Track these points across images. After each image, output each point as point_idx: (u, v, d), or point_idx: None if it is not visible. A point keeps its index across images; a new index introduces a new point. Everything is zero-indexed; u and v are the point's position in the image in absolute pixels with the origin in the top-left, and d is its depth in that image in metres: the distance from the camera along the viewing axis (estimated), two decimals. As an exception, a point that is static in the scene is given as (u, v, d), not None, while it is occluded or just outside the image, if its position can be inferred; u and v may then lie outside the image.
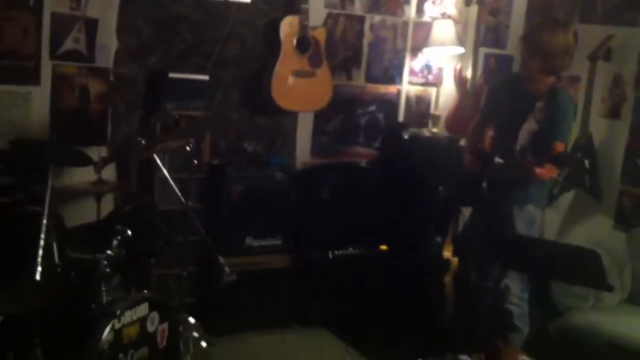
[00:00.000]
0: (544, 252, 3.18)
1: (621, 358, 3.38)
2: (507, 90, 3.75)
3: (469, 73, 4.83)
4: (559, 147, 3.43)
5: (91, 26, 3.84)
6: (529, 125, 3.49)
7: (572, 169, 3.51)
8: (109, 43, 3.91)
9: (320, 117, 4.67)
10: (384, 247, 4.38)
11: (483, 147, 3.78)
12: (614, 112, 4.23)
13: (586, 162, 3.26)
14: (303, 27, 4.29)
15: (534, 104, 3.47)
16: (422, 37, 4.92)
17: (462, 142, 4.48)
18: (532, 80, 3.55)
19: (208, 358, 3.47)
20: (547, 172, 3.31)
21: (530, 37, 3.55)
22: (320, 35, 4.40)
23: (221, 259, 3.44)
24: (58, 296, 2.88)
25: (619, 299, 3.87)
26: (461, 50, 4.86)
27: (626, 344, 3.40)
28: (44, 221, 2.81)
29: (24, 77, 3.68)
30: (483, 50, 4.90)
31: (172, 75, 3.96)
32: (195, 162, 3.65)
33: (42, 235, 2.78)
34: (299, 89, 4.34)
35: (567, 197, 4.30)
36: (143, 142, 3.41)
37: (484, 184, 3.54)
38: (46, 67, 3.73)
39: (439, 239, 4.17)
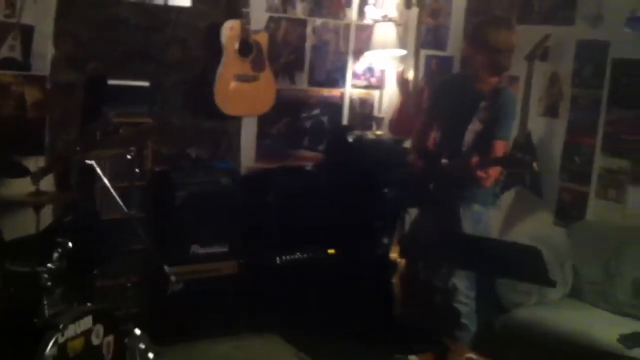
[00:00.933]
0: (488, 250, 3.23)
1: (565, 352, 3.46)
2: (451, 90, 3.77)
3: (411, 75, 4.89)
4: (500, 145, 3.47)
5: (27, 33, 3.74)
6: (474, 126, 3.50)
7: (520, 170, 3.54)
8: (45, 50, 3.82)
9: (265, 121, 4.65)
10: (331, 250, 4.38)
11: (428, 148, 3.81)
12: (551, 111, 4.34)
13: (535, 164, 3.30)
14: (245, 31, 4.26)
15: (478, 104, 3.49)
16: (364, 40, 4.95)
17: (407, 144, 4.53)
18: (477, 80, 3.58)
19: (156, 369, 3.42)
20: (494, 172, 3.35)
21: (475, 34, 3.58)
22: (263, 39, 4.38)
23: (167, 268, 3.40)
24: (-1, 311, 2.81)
25: (562, 294, 3.96)
26: (403, 52, 4.91)
27: (570, 338, 3.48)
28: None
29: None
30: (424, 52, 4.96)
31: (111, 81, 3.88)
32: (137, 169, 3.59)
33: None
34: (242, 93, 4.32)
35: (509, 195, 4.38)
36: (81, 150, 3.34)
37: (430, 185, 3.57)
38: (-19, 77, 3.63)
39: (386, 240, 4.20)
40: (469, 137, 3.50)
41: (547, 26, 4.29)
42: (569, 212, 4.21)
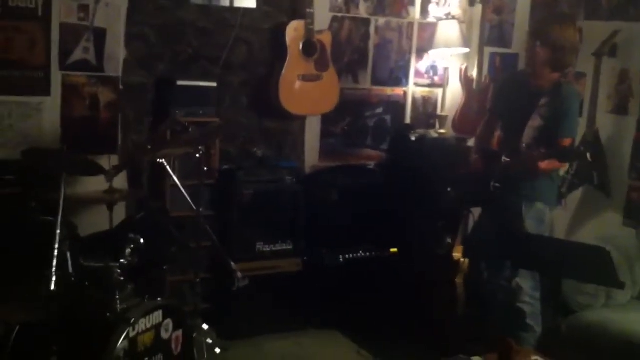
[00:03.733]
0: (554, 250, 3.18)
1: (633, 355, 3.37)
2: (511, 88, 3.76)
3: (474, 73, 4.85)
4: (566, 142, 3.43)
5: (99, 36, 3.88)
6: (534, 122, 3.49)
7: (574, 161, 3.49)
8: (117, 52, 3.95)
9: (328, 120, 4.69)
10: (394, 249, 4.39)
11: (490, 147, 3.78)
12: (620, 108, 4.22)
13: (588, 154, 3.26)
14: (308, 31, 4.31)
15: (538, 100, 3.48)
16: (427, 38, 4.94)
17: (470, 143, 4.50)
18: (537, 77, 3.55)
19: (223, 364, 3.50)
20: (551, 164, 3.34)
21: (540, 30, 3.55)
22: (326, 39, 4.42)
23: (233, 265, 3.47)
24: (73, 305, 2.92)
25: (631, 296, 3.86)
26: (466, 50, 4.87)
27: (638, 341, 3.39)
28: (58, 231, 2.84)
29: (34, 87, 3.73)
30: (488, 50, 4.91)
31: (180, 82, 3.99)
32: (205, 168, 3.68)
33: (56, 245, 2.82)
34: (306, 93, 4.37)
35: (576, 195, 4.30)
36: (152, 149, 3.45)
37: (492, 184, 3.55)
38: (56, 78, 3.78)
39: (449, 240, 4.18)
40: (529, 133, 3.49)
41: (616, 22, 4.18)
42: (638, 212, 4.11)
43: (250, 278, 3.53)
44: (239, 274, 3.43)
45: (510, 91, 3.73)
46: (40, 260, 2.84)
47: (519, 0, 4.83)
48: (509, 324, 3.62)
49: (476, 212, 4.01)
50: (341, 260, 4.28)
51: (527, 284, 3.58)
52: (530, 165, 3.38)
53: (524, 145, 3.49)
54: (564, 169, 4.05)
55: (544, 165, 3.34)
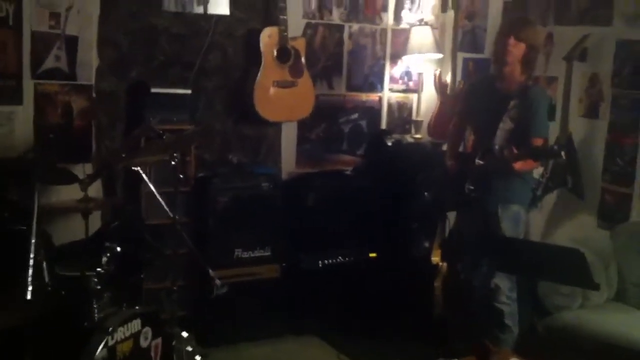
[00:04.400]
0: (530, 252, 3.22)
1: (610, 356, 3.41)
2: (480, 91, 3.80)
3: (448, 78, 4.89)
4: (538, 142, 3.50)
5: (71, 43, 3.85)
6: (505, 125, 3.54)
7: (549, 159, 3.53)
8: (89, 59, 3.92)
9: (304, 126, 4.70)
10: (372, 254, 4.40)
11: (463, 150, 3.82)
12: (592, 112, 4.29)
13: (562, 153, 3.31)
14: (282, 38, 4.31)
15: (507, 103, 3.53)
16: (400, 44, 4.97)
17: (445, 147, 4.52)
18: (505, 80, 3.60)
19: (202, 371, 3.47)
20: (525, 164, 3.39)
21: (514, 27, 3.59)
22: (300, 45, 4.42)
23: (211, 272, 3.44)
24: (50, 314, 2.87)
25: (606, 297, 3.90)
26: (440, 55, 4.91)
27: (614, 342, 3.42)
28: (32, 240, 2.80)
29: (6, 96, 3.68)
30: (461, 55, 4.96)
31: (154, 89, 3.96)
32: (181, 175, 3.65)
33: (31, 254, 2.78)
34: (281, 99, 4.36)
35: (551, 198, 4.35)
36: (127, 156, 3.42)
37: (467, 186, 3.58)
38: (28, 86, 3.74)
39: (426, 244, 4.21)
40: (500, 136, 3.54)
41: (585, 26, 4.25)
42: (612, 214, 4.16)
43: (228, 285, 3.50)
44: (217, 281, 3.40)
45: (480, 94, 3.78)
46: (15, 270, 2.79)
47: (490, 6, 4.89)
48: (487, 324, 3.64)
49: (453, 216, 4.04)
50: (320, 265, 4.29)
51: (504, 284, 3.61)
52: (504, 166, 3.41)
53: (496, 147, 3.52)
54: (537, 171, 4.10)
55: (518, 165, 3.38)
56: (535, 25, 3.63)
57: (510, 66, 3.56)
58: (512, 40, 3.53)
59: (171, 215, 3.42)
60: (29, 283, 2.71)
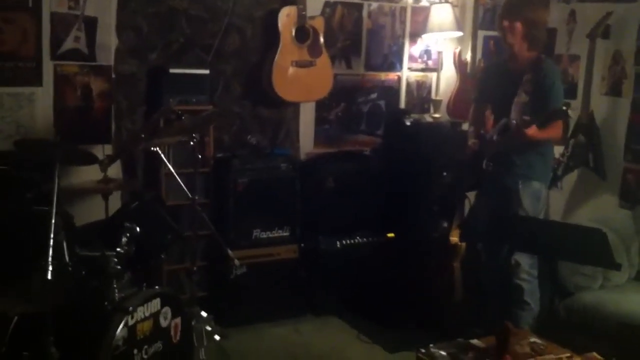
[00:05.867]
0: (551, 232, 3.20)
1: (630, 336, 3.39)
2: (495, 72, 3.82)
3: (468, 56, 4.84)
4: None
5: (91, 25, 3.85)
6: (520, 98, 3.53)
7: (557, 120, 3.48)
8: (109, 41, 3.92)
9: (322, 107, 4.68)
10: (390, 234, 4.39)
11: (484, 129, 3.79)
12: (614, 90, 4.23)
13: (569, 111, 3.27)
14: (301, 17, 4.28)
15: (521, 78, 3.53)
16: (420, 22, 4.92)
17: (465, 126, 4.49)
18: (516, 59, 3.61)
19: (222, 351, 3.50)
20: (538, 132, 3.33)
21: (512, 7, 3.61)
22: (319, 24, 4.40)
23: (230, 252, 3.46)
24: (70, 295, 2.90)
25: (627, 277, 3.88)
26: (460, 33, 4.85)
27: (636, 322, 3.41)
28: (53, 221, 2.82)
29: (26, 78, 3.70)
30: (482, 33, 4.90)
31: (172, 70, 3.96)
32: (200, 156, 3.66)
33: (52, 235, 2.80)
34: (299, 79, 4.35)
35: (572, 177, 4.31)
36: (146, 138, 3.43)
37: (485, 162, 3.56)
38: (48, 68, 3.75)
39: (445, 224, 4.18)
40: (516, 110, 3.52)
41: (609, 3, 4.18)
42: (634, 193, 4.12)
43: (247, 265, 3.53)
44: (236, 262, 3.43)
45: (495, 75, 3.79)
46: (36, 251, 2.82)
47: (511, -17, 4.82)
48: (507, 301, 3.63)
49: (472, 197, 4.02)
50: (338, 246, 4.29)
51: (524, 260, 3.60)
52: (517, 135, 3.38)
53: (513, 121, 3.49)
54: (558, 150, 4.06)
55: (531, 132, 3.34)
56: (535, 1, 3.59)
57: (515, 46, 3.58)
58: (505, 22, 3.57)
59: (190, 196, 3.45)
60: (49, 263, 2.74)
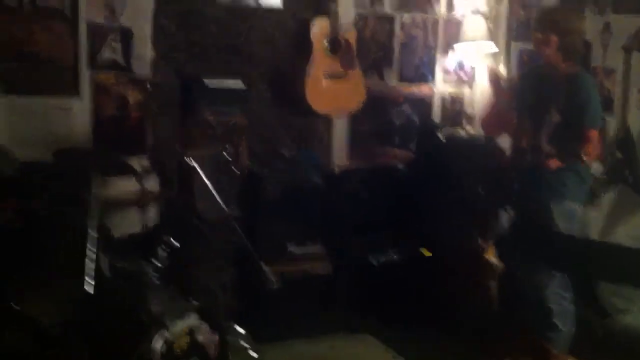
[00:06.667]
0: (589, 251, 3.15)
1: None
2: (529, 82, 3.75)
3: (502, 69, 4.80)
4: (592, 134, 3.37)
5: (126, 35, 3.87)
6: (552, 117, 3.41)
7: (574, 160, 3.41)
8: (144, 51, 3.94)
9: (355, 119, 4.65)
10: (425, 251, 4.35)
11: (517, 145, 3.75)
12: (652, 104, 4.17)
13: (582, 156, 3.19)
14: (333, 29, 4.28)
15: (554, 94, 3.42)
16: (453, 35, 4.89)
17: (499, 141, 4.45)
18: (551, 69, 3.53)
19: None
20: (557, 163, 3.26)
21: (546, 17, 3.59)
22: (351, 36, 4.39)
23: (265, 267, 3.44)
24: (108, 307, 2.90)
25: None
26: (493, 46, 4.81)
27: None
28: (91, 232, 2.83)
29: (64, 88, 3.73)
30: (516, 45, 4.86)
31: (207, 81, 3.96)
32: (233, 167, 3.65)
33: (90, 247, 2.81)
34: (332, 91, 4.34)
35: (610, 195, 4.24)
36: (181, 148, 3.43)
37: (516, 182, 3.52)
38: (85, 78, 3.78)
39: (480, 241, 4.14)
40: (545, 132, 3.40)
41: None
42: (675, 212, 4.05)
43: (281, 280, 3.50)
44: (271, 276, 3.40)
45: (529, 86, 3.71)
46: (75, 262, 2.82)
47: (546, -5, 4.78)
48: (536, 322, 3.58)
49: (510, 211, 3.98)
50: (372, 262, 4.26)
51: (556, 281, 3.52)
52: (539, 164, 3.31)
53: (543, 142, 3.43)
54: (595, 166, 4.00)
55: (552, 164, 3.25)
56: (569, 11, 3.54)
57: (549, 57, 3.51)
58: (538, 35, 3.50)
59: (224, 208, 3.43)
60: (87, 275, 2.74)
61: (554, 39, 3.44)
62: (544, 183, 3.48)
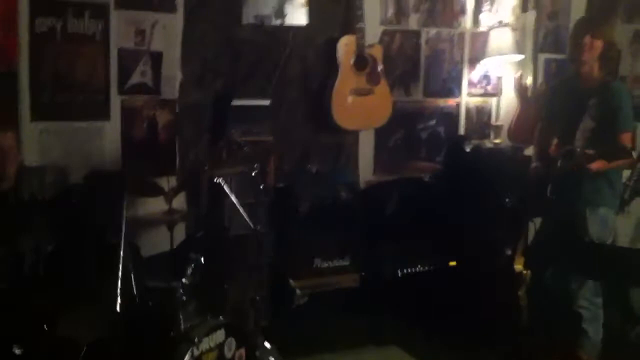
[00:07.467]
0: (621, 258, 3.13)
1: None
2: (560, 93, 3.75)
3: (529, 80, 4.77)
4: (625, 137, 3.38)
5: (156, 59, 3.96)
6: (586, 124, 3.47)
7: (620, 158, 3.40)
8: (173, 74, 4.03)
9: (382, 134, 4.68)
10: (452, 263, 4.34)
11: (548, 154, 3.74)
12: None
13: (633, 152, 3.20)
14: (359, 46, 4.32)
15: (587, 101, 3.46)
16: (479, 47, 4.88)
17: (527, 152, 4.43)
18: (585, 78, 3.53)
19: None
20: (601, 165, 3.27)
21: (592, 23, 3.56)
22: (377, 52, 4.43)
23: (292, 282, 3.48)
24: (138, 325, 2.98)
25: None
26: (520, 57, 4.80)
27: None
28: (121, 252, 2.91)
29: (95, 112, 3.82)
30: (543, 56, 4.84)
31: (235, 101, 4.04)
32: (261, 186, 3.71)
33: (120, 266, 2.89)
34: (358, 107, 4.37)
35: (639, 202, 4.19)
36: (210, 168, 3.50)
37: (549, 190, 3.50)
38: (115, 102, 3.87)
39: (509, 252, 4.12)
40: (580, 135, 3.46)
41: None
42: None
43: (308, 294, 3.53)
44: (298, 291, 3.44)
45: (560, 96, 3.72)
46: (105, 281, 2.90)
47: (573, 4, 4.75)
48: (566, 329, 3.54)
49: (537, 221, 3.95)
50: (400, 274, 4.26)
51: (586, 287, 3.50)
52: (580, 167, 3.32)
53: (577, 148, 3.43)
54: (625, 174, 3.96)
55: (595, 166, 3.27)
56: (613, 21, 3.52)
57: (587, 65, 3.50)
58: (587, 39, 3.46)
59: (252, 226, 3.49)
60: (118, 294, 2.82)
61: (600, 45, 3.44)
62: (578, 190, 3.49)
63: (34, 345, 2.74)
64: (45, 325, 2.81)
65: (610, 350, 3.52)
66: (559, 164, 3.48)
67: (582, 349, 3.47)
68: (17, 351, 2.68)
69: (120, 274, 2.87)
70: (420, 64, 4.77)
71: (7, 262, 3.02)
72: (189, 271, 3.14)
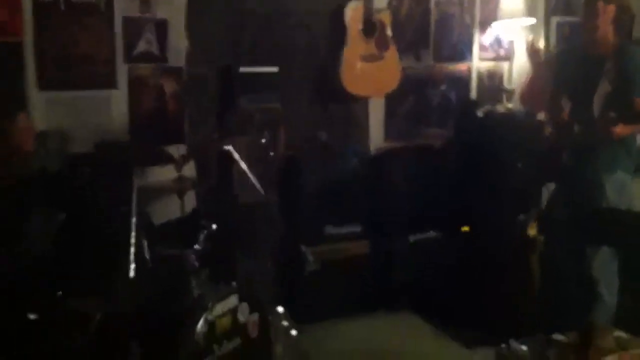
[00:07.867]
0: (636, 224, 3.09)
1: None
2: (572, 58, 3.69)
3: (541, 44, 4.69)
4: None
5: (161, 27, 3.93)
6: (603, 88, 3.38)
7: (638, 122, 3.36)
8: (179, 43, 3.99)
9: (391, 101, 4.63)
10: (465, 228, 4.32)
11: (562, 119, 3.69)
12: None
13: None
14: (367, 11, 4.27)
15: (602, 66, 3.38)
16: (490, 10, 4.82)
17: (539, 116, 4.38)
18: (597, 44, 3.47)
19: (298, 346, 3.51)
20: (625, 128, 3.25)
21: None
22: (386, 17, 4.37)
23: (303, 248, 3.47)
24: (151, 292, 2.97)
25: None
26: (532, 20, 4.73)
27: None
28: (133, 220, 2.90)
29: (102, 81, 3.81)
30: (555, 19, 4.77)
31: (242, 69, 4.00)
32: (271, 154, 3.68)
33: (133, 234, 2.88)
34: (367, 73, 4.33)
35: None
36: (219, 137, 3.48)
37: (565, 157, 3.45)
38: (122, 71, 3.86)
39: (521, 217, 4.08)
40: (598, 100, 3.38)
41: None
42: None
43: (320, 261, 3.52)
44: (310, 258, 3.43)
45: (574, 61, 3.65)
46: (117, 251, 2.89)
47: (586, -35, 4.66)
48: (580, 294, 3.52)
49: (550, 186, 3.91)
50: (411, 241, 4.25)
51: (603, 253, 3.48)
52: (603, 132, 3.28)
53: (595, 113, 3.38)
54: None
55: (618, 130, 3.24)
56: None
57: (601, 30, 3.43)
58: (600, 4, 3.40)
59: (263, 193, 3.47)
60: (132, 261, 2.81)
61: (612, 9, 3.39)
62: (595, 156, 3.45)
63: (48, 312, 2.75)
64: (60, 292, 2.81)
65: (625, 317, 3.49)
66: (575, 129, 3.43)
67: (595, 313, 3.44)
68: (32, 316, 2.69)
69: (132, 241, 2.86)
70: (429, 29, 4.71)
71: (22, 233, 3.02)
72: (201, 238, 3.13)
